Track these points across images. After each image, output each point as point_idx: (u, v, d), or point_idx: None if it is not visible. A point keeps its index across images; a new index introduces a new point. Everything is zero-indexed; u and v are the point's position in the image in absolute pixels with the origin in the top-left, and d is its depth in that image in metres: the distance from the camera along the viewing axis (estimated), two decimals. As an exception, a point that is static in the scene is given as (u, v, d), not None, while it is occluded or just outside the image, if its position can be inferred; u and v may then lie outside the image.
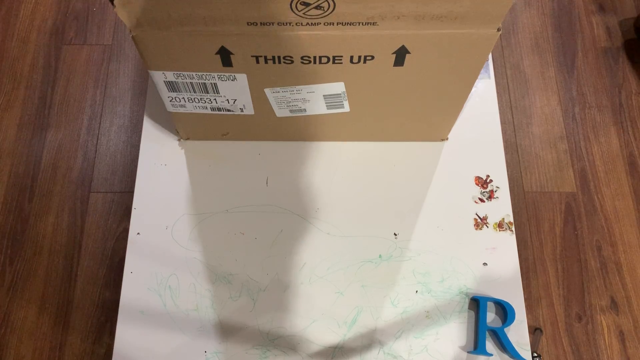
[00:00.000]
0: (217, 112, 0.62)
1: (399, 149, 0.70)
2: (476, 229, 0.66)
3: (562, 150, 1.24)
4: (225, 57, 0.51)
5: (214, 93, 0.57)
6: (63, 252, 1.15)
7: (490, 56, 0.67)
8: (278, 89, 0.56)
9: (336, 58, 0.50)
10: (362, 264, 0.64)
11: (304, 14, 0.44)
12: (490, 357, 0.60)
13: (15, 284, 1.13)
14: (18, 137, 1.26)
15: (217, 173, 0.69)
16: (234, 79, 0.54)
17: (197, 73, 0.54)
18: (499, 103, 0.77)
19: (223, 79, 0.54)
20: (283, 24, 0.46)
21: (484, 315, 0.61)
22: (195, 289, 0.63)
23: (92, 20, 1.40)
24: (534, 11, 1.40)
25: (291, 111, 0.61)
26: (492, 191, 0.68)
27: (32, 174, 1.22)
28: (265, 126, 0.65)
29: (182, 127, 0.67)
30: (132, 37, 0.48)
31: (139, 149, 0.70)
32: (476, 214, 0.66)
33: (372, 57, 0.50)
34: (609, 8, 1.40)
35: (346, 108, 0.60)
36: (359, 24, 0.46)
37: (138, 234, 0.66)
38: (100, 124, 1.27)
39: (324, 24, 0.45)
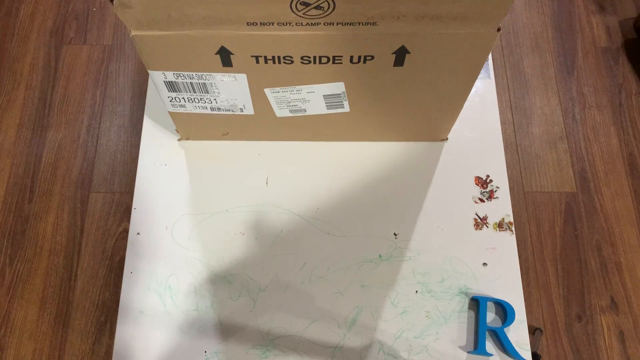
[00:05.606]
0: (217, 112, 0.62)
1: (399, 149, 0.70)
2: (476, 229, 0.66)
3: (562, 150, 1.24)
4: (225, 57, 0.51)
5: (214, 93, 0.57)
6: (63, 252, 1.15)
7: (490, 56, 0.67)
8: (278, 89, 0.56)
9: (336, 58, 0.50)
10: (362, 264, 0.64)
11: (304, 14, 0.44)
12: (490, 357, 0.60)
13: (15, 284, 1.13)
14: (18, 137, 1.26)
15: (217, 173, 0.69)
16: (234, 79, 0.54)
17: (197, 73, 0.54)
18: (499, 103, 0.77)
19: (223, 79, 0.54)
20: (283, 24, 0.46)
21: (484, 315, 0.61)
22: (195, 289, 0.63)
23: (92, 20, 1.40)
24: (534, 11, 1.40)
25: (291, 111, 0.61)
26: (492, 191, 0.68)
27: (32, 174, 1.22)
28: (265, 126, 0.65)
29: (182, 127, 0.67)
30: (132, 37, 0.48)
31: (139, 149, 0.70)
32: (476, 214, 0.66)
33: (372, 57, 0.50)
34: (609, 8, 1.40)
35: (346, 108, 0.60)
36: (359, 24, 0.46)
37: (138, 234, 0.66)
38: (100, 124, 1.27)
39: (324, 24, 0.45)
